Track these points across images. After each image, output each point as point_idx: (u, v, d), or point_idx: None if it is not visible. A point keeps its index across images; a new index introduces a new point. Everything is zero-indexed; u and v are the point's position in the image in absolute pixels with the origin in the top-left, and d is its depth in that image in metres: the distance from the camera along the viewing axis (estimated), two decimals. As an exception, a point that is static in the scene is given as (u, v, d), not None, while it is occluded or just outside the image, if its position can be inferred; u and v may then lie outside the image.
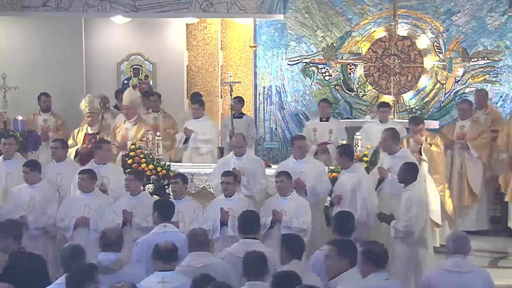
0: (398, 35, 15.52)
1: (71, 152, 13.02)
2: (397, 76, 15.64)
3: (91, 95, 13.73)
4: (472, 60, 15.41)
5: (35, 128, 14.02)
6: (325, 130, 13.95)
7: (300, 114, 15.90)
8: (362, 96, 15.83)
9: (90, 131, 13.34)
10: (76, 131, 13.52)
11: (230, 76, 14.16)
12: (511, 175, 13.09)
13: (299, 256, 7.67)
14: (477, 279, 7.61)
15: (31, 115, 14.23)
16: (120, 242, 8.03)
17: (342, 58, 15.83)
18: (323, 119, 14.05)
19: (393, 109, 15.60)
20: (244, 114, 14.84)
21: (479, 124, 13.52)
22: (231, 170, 10.89)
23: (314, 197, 10.93)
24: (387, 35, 15.62)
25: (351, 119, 15.53)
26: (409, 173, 10.15)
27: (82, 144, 13.22)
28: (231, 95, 13.93)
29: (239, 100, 14.64)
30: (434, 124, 14.96)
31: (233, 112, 13.93)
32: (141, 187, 10.98)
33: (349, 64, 15.83)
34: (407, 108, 15.63)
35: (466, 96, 15.25)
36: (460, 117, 13.53)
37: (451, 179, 13.30)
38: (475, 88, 15.36)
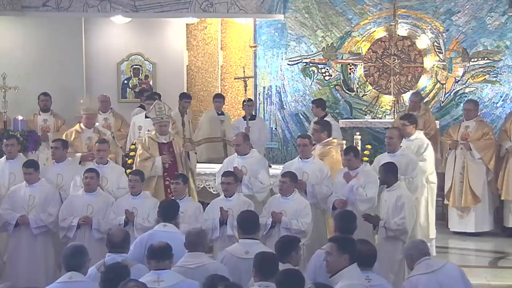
0: (398, 35, 15.52)
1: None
2: (397, 76, 15.64)
3: (87, 95, 13.42)
4: (472, 60, 15.41)
5: (35, 128, 14.01)
6: None
7: (300, 114, 15.89)
8: (362, 96, 15.83)
9: (88, 134, 12.65)
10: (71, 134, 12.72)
11: (244, 71, 14.14)
12: (505, 173, 13.17)
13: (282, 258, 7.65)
14: (451, 270, 7.76)
15: (31, 115, 14.22)
16: (126, 243, 8.02)
17: (342, 58, 15.83)
18: (317, 120, 14.18)
19: (393, 109, 15.64)
20: (255, 116, 14.81)
21: (484, 125, 13.49)
22: (232, 170, 10.93)
23: (313, 199, 10.95)
24: (387, 35, 15.62)
25: (351, 119, 15.53)
26: (390, 172, 10.21)
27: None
28: (245, 90, 13.98)
29: (253, 102, 14.69)
30: (434, 124, 15.01)
31: (246, 113, 13.90)
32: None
33: (349, 64, 15.83)
34: (407, 108, 15.60)
35: (466, 96, 15.27)
36: (465, 117, 13.56)
37: (453, 180, 13.31)
38: (475, 88, 15.39)
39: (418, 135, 12.23)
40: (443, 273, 7.64)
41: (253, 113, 14.74)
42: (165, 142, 11.82)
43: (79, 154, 12.28)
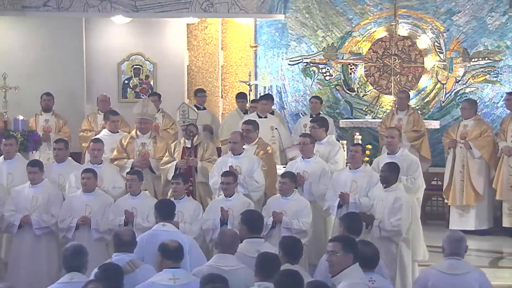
0: (399, 35, 15.53)
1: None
2: (398, 76, 15.65)
3: (146, 98, 13.05)
4: (473, 60, 15.42)
5: (37, 129, 14.00)
6: None
7: (300, 114, 15.88)
8: (362, 96, 15.84)
9: (142, 140, 12.10)
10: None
11: (250, 75, 14.08)
12: (500, 173, 13.18)
13: (294, 259, 7.64)
14: (473, 280, 7.53)
15: (32, 115, 14.22)
16: (133, 243, 7.98)
17: (342, 58, 15.84)
18: (313, 115, 14.15)
19: (393, 109, 15.63)
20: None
21: (482, 123, 13.50)
22: (229, 170, 10.94)
23: (309, 196, 10.99)
24: (387, 35, 15.63)
25: (352, 119, 15.54)
26: (393, 172, 10.18)
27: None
28: (249, 94, 13.91)
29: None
30: (435, 124, 15.01)
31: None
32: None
33: (349, 64, 15.84)
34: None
35: (466, 96, 15.27)
36: (462, 116, 13.59)
37: (453, 178, 13.32)
38: (475, 88, 15.39)
39: (329, 139, 12.02)
40: (463, 280, 7.44)
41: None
42: (188, 146, 11.71)
43: (130, 161, 11.93)
